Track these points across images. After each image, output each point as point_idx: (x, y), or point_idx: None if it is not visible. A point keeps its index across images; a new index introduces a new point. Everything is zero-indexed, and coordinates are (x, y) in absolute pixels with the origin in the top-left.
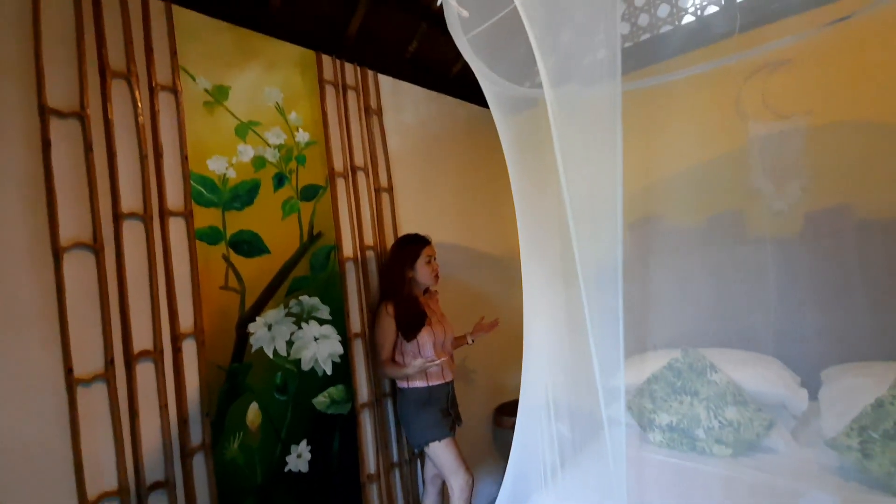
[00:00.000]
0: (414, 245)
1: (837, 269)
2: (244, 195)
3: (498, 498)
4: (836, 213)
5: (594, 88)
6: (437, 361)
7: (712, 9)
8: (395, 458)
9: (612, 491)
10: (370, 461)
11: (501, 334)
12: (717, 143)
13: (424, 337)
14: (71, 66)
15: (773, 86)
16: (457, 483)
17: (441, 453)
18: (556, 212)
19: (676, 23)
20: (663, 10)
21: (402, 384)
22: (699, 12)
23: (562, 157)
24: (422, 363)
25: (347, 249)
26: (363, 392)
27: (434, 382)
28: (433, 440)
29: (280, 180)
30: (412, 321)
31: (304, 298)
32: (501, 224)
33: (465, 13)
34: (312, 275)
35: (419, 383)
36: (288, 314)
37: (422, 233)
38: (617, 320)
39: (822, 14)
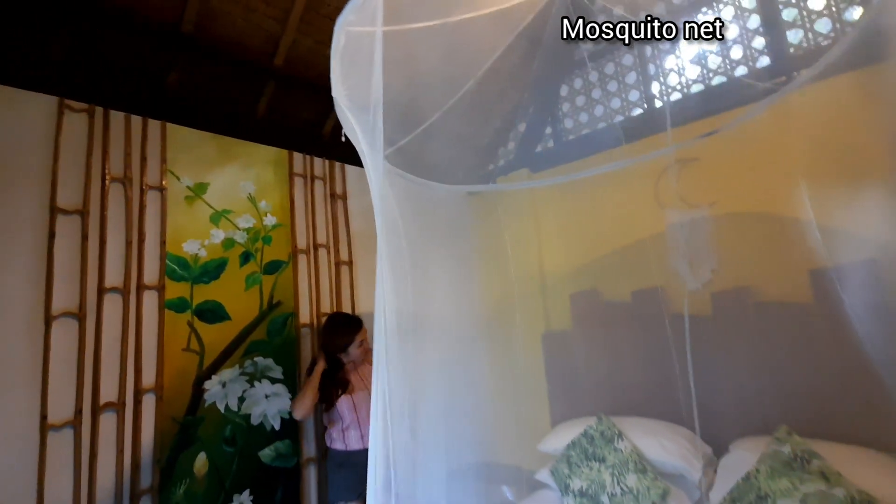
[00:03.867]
0: (346, 331)
1: (742, 345)
2: (212, 271)
3: None
4: (738, 293)
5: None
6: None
7: (637, 110)
8: None
9: None
10: None
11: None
12: (642, 228)
13: (342, 403)
14: (79, 173)
15: (684, 179)
16: None
17: None
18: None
19: (606, 122)
20: (599, 111)
21: (328, 443)
22: (628, 112)
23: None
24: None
25: (304, 316)
26: (309, 448)
27: (353, 447)
28: (339, 501)
29: (246, 258)
30: (328, 394)
31: (259, 359)
32: (466, 294)
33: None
34: (269, 339)
35: (338, 446)
36: (242, 373)
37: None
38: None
39: (730, 117)
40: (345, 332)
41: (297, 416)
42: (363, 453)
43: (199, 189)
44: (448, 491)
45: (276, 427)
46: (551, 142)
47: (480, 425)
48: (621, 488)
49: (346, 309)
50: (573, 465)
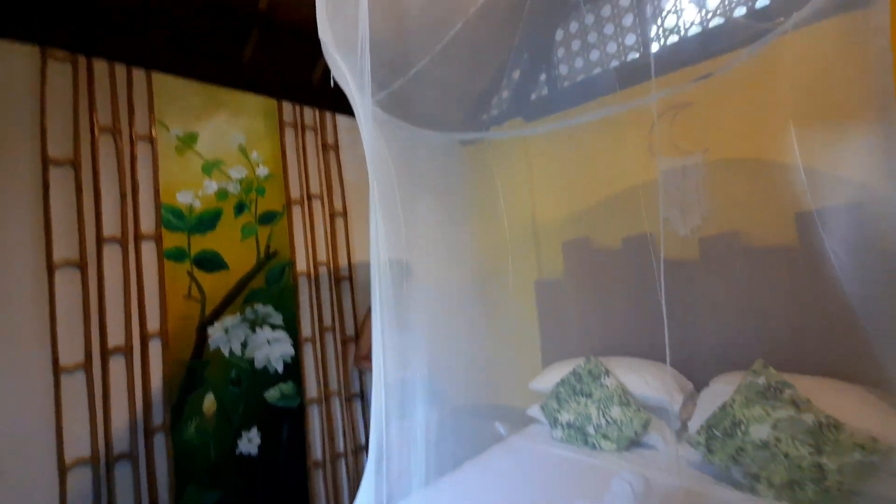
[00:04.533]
0: None
1: (729, 288)
2: (208, 221)
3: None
4: (726, 238)
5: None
6: None
7: (633, 55)
8: (342, 448)
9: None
10: (317, 449)
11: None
12: (634, 176)
13: None
14: (68, 124)
15: (677, 126)
16: None
17: None
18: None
19: (601, 67)
20: (594, 55)
21: (362, 369)
22: (624, 57)
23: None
24: None
25: (301, 265)
26: (312, 390)
27: None
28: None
29: (240, 208)
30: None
31: (259, 307)
32: (459, 245)
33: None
34: (267, 287)
35: None
36: (244, 320)
37: None
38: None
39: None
40: None
41: (358, 367)
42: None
43: (189, 139)
44: (441, 430)
45: (280, 370)
46: (546, 89)
47: (474, 369)
48: (606, 419)
49: (342, 260)
50: (562, 400)
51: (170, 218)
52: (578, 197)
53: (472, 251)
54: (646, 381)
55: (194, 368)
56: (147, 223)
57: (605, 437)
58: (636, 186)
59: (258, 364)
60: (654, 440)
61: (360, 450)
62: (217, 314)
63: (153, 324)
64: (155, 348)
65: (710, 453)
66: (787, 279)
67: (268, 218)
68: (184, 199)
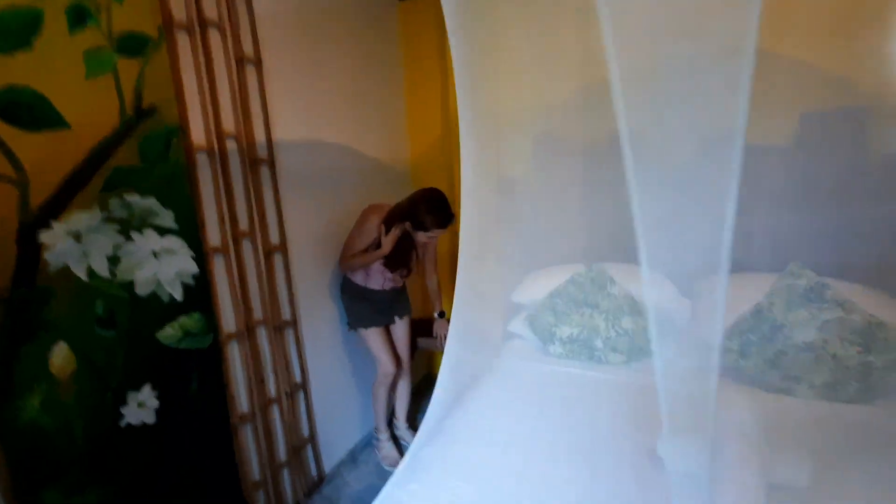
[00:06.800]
0: (440, 219)
1: (713, 188)
2: (17, 31)
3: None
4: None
5: None
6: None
7: None
8: (273, 392)
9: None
10: (242, 400)
11: None
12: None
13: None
14: None
15: None
16: (379, 370)
17: (367, 340)
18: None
19: None
20: None
21: (346, 273)
22: None
23: None
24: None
25: (198, 136)
26: (229, 320)
27: (371, 286)
28: (361, 327)
29: (79, 16)
30: (400, 260)
31: (135, 199)
32: (394, 131)
33: None
34: (145, 166)
35: (359, 280)
36: (108, 219)
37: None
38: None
39: None
40: (440, 218)
41: (343, 269)
42: (379, 293)
43: None
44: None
45: (178, 297)
46: None
47: None
48: (616, 331)
49: (259, 129)
50: (560, 313)
51: None
52: (554, 84)
53: (409, 145)
54: (657, 289)
55: (20, 304)
56: None
57: (614, 350)
58: (632, 72)
59: (141, 290)
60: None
61: (298, 389)
62: (55, 208)
63: None
64: None
65: (742, 358)
66: (786, 179)
67: (133, 45)
68: None
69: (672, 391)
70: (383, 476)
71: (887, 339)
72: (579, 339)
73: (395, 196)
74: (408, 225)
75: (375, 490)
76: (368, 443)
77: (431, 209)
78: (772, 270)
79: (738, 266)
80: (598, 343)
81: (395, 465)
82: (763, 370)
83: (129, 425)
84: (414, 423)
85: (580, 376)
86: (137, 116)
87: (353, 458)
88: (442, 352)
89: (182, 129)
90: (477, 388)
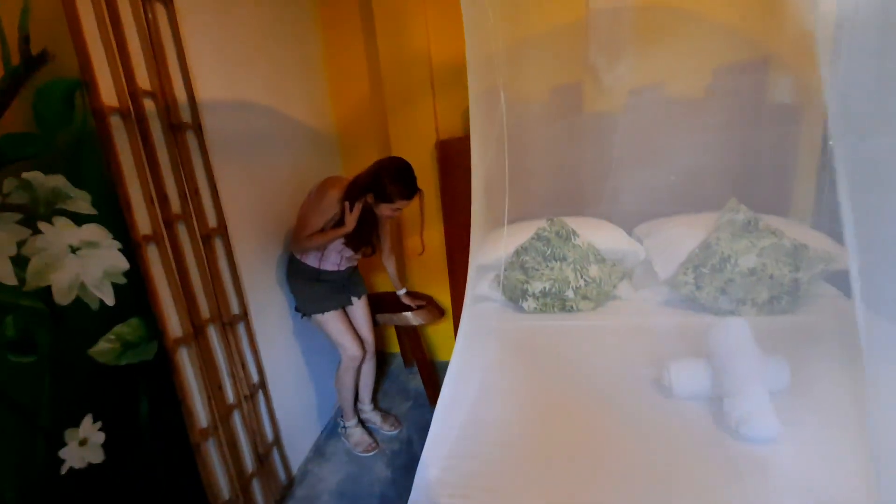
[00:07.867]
0: (406, 190)
1: (649, 142)
2: None
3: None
4: (651, 90)
5: None
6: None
7: None
8: (232, 398)
9: None
10: (200, 413)
11: None
12: (558, 14)
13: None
14: None
15: None
16: (343, 356)
17: (325, 326)
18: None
19: None
20: None
21: (297, 254)
22: None
23: None
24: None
25: (108, 93)
26: (173, 322)
27: (326, 267)
28: (316, 313)
29: None
30: (364, 238)
31: (37, 177)
32: (315, 92)
33: None
34: (43, 132)
35: (312, 262)
36: (3, 207)
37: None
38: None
39: None
40: (405, 188)
41: (298, 251)
42: (335, 273)
43: None
44: None
45: (109, 302)
46: None
47: None
48: (584, 280)
49: (180, 91)
50: (529, 269)
51: None
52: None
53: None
54: (609, 236)
55: None
56: None
57: (584, 297)
58: (562, 27)
59: (62, 298)
60: (621, 292)
61: (256, 390)
62: None
63: None
64: None
65: (697, 290)
66: (704, 128)
67: None
68: None
69: (635, 326)
70: (358, 463)
71: (809, 257)
72: (551, 293)
73: (324, 165)
74: (370, 198)
75: (354, 479)
76: (332, 433)
77: (396, 179)
78: (697, 211)
79: (678, 207)
80: (570, 293)
81: (369, 450)
82: (715, 297)
83: (72, 470)
84: (378, 405)
85: (557, 327)
86: (26, 66)
87: (319, 452)
88: (422, 322)
89: (86, 82)
90: (467, 352)
